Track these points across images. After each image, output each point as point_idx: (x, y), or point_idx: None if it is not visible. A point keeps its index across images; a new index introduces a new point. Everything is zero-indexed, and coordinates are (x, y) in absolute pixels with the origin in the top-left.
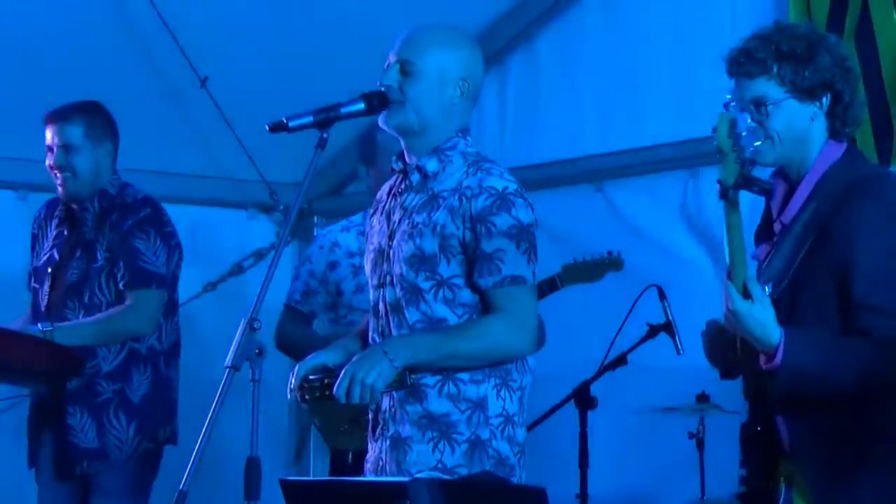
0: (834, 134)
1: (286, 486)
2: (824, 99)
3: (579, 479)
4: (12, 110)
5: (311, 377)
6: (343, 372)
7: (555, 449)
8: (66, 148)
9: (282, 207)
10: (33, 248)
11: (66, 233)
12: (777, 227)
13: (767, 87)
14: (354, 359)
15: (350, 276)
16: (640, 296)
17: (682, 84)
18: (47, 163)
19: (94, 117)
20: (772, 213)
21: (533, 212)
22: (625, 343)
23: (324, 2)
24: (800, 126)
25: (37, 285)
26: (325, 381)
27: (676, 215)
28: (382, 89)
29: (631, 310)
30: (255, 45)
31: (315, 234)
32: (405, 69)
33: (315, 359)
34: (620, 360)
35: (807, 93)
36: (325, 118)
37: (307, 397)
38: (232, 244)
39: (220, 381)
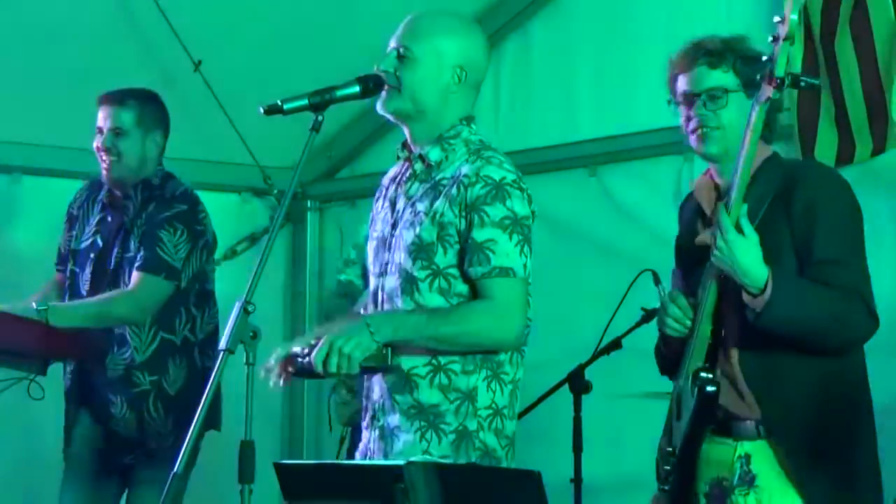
0: (765, 139)
1: (280, 469)
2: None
3: (573, 464)
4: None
5: (295, 350)
6: (322, 340)
7: (549, 433)
8: (115, 131)
9: (276, 191)
10: (70, 230)
11: (109, 219)
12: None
13: (726, 79)
14: (335, 328)
15: None
16: (634, 280)
17: None
18: (94, 144)
19: (148, 105)
20: (701, 208)
21: (531, 204)
22: (619, 327)
23: None
24: (743, 122)
25: (77, 269)
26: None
27: (671, 200)
28: (379, 73)
29: (625, 294)
30: (249, 29)
31: None
32: (402, 55)
33: (301, 342)
34: (615, 345)
35: (756, 87)
36: (320, 101)
37: (290, 369)
38: (226, 228)
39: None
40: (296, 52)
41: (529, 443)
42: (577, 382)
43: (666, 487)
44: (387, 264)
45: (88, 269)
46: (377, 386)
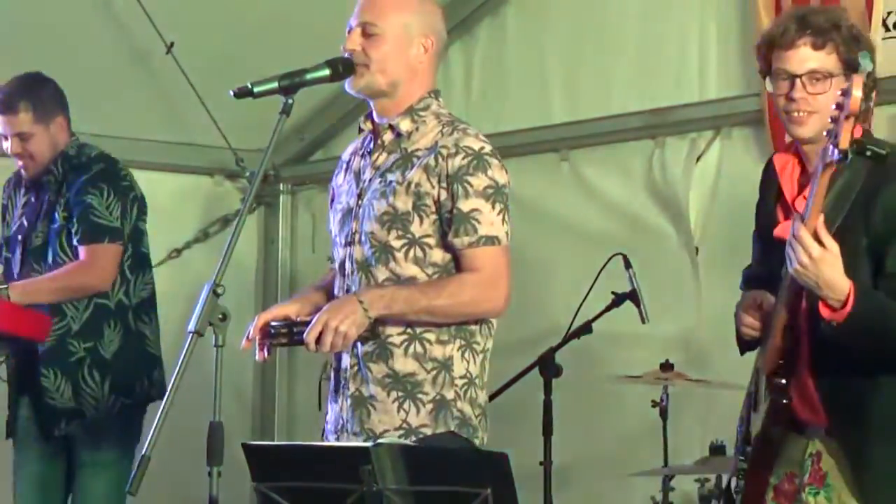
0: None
1: (249, 450)
2: None
3: (543, 447)
4: None
5: (275, 323)
6: (315, 319)
7: (519, 416)
8: (19, 136)
9: (248, 174)
10: (3, 219)
11: (33, 199)
12: (801, 203)
13: (830, 62)
14: (327, 306)
15: None
16: (605, 264)
17: (649, 54)
18: (5, 148)
19: (38, 98)
20: (781, 190)
21: (507, 173)
22: (590, 311)
23: None
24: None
25: (9, 254)
26: (294, 328)
27: (642, 185)
28: (347, 55)
29: (596, 278)
30: (221, 11)
31: None
32: (367, 32)
33: (276, 310)
34: (585, 329)
35: (853, 72)
36: (290, 84)
37: (272, 343)
38: (197, 211)
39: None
40: (268, 34)
41: (499, 425)
42: (548, 366)
43: (743, 467)
44: (354, 233)
45: (18, 251)
46: (346, 355)
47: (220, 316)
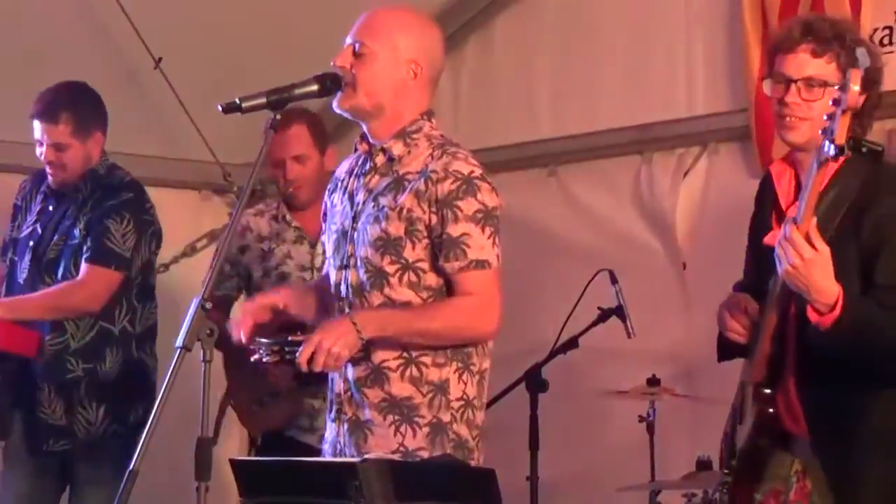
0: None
1: (237, 466)
2: None
3: (529, 462)
4: None
5: (265, 340)
6: (308, 339)
7: (506, 431)
8: (55, 146)
9: (235, 189)
10: (14, 219)
11: (50, 208)
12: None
13: (828, 71)
14: (320, 327)
15: (258, 261)
16: (591, 279)
17: (636, 70)
18: (38, 154)
19: (80, 111)
20: (777, 198)
21: (498, 196)
22: (576, 326)
23: None
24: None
25: (16, 258)
26: (286, 347)
27: (628, 200)
28: (335, 70)
29: (583, 293)
30: (209, 27)
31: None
32: (357, 51)
33: (263, 300)
34: (571, 344)
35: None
36: (278, 99)
37: (264, 359)
38: (185, 225)
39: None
40: (256, 49)
41: (486, 440)
42: (534, 381)
43: (727, 480)
44: (350, 257)
45: (27, 258)
46: (340, 379)
47: (208, 331)
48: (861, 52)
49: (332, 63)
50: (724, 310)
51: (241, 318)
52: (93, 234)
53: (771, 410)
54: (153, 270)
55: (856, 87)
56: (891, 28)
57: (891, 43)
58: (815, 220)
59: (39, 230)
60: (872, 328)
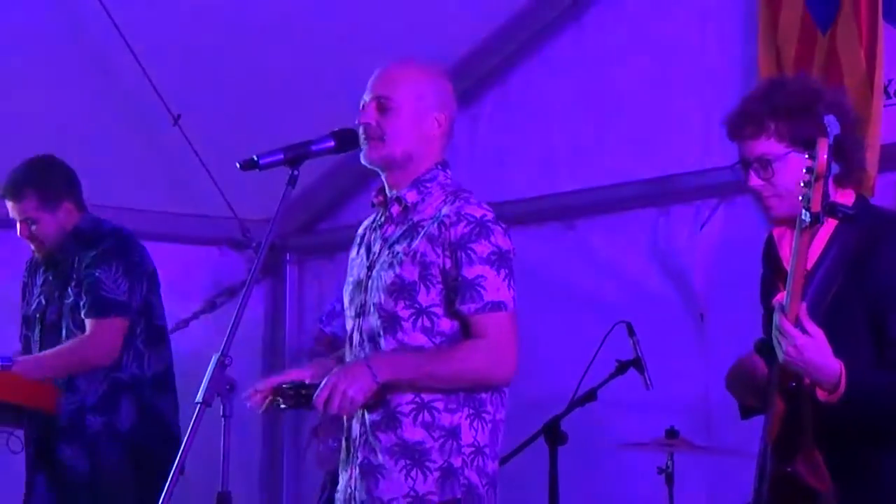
0: (839, 181)
1: None
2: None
3: None
4: None
5: (284, 385)
6: (324, 382)
7: (525, 484)
8: (27, 221)
9: (254, 244)
10: (23, 297)
11: (51, 278)
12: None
13: (768, 146)
14: (336, 370)
15: None
16: (609, 332)
17: (653, 123)
18: (17, 232)
19: (44, 184)
20: (781, 262)
21: (510, 240)
22: (594, 379)
23: (295, 40)
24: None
25: (28, 333)
26: (302, 390)
27: (646, 252)
28: (356, 127)
29: (600, 346)
30: (227, 84)
31: None
32: (382, 105)
33: (291, 375)
34: (590, 396)
35: (807, 145)
36: (296, 156)
37: (281, 405)
38: (204, 281)
39: (191, 417)
40: (273, 106)
41: (505, 493)
42: (553, 434)
43: None
44: (363, 305)
45: (37, 329)
46: (356, 423)
47: (228, 386)
48: (830, 120)
49: (357, 122)
50: (729, 379)
51: (264, 382)
52: (85, 288)
53: (789, 470)
54: (157, 312)
55: (823, 156)
56: None
57: None
58: (803, 305)
59: (44, 300)
60: (879, 401)
